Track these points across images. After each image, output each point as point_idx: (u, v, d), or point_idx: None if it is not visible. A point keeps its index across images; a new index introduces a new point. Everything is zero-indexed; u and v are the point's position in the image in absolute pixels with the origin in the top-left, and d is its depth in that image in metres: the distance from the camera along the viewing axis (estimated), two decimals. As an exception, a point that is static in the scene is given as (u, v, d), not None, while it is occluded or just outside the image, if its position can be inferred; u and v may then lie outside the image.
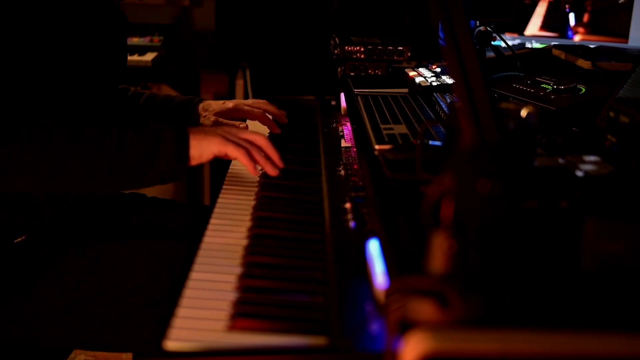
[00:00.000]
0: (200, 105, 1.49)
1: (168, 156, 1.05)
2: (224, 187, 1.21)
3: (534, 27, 1.94)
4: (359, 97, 1.51)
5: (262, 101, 1.53)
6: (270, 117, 1.51)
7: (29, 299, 1.11)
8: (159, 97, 1.53)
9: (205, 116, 1.47)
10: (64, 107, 1.13)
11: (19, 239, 1.17)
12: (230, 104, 1.49)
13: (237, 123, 1.45)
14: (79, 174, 1.01)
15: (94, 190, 1.13)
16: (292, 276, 0.90)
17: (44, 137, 1.00)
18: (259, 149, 1.15)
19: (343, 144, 1.44)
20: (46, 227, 1.20)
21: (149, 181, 1.07)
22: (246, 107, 1.48)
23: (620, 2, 1.65)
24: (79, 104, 1.17)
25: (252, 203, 1.13)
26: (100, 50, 1.22)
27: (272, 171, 1.16)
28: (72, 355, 1.28)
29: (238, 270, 0.91)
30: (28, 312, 1.11)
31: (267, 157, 1.16)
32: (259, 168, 1.16)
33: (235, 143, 1.11)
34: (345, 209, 1.09)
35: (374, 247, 0.87)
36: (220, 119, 1.46)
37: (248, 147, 1.12)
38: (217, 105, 1.49)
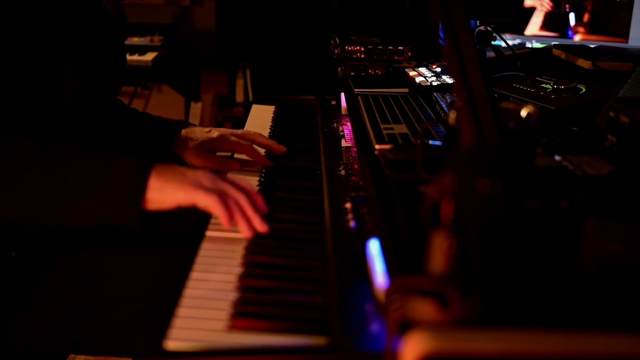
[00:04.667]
0: (184, 131, 1.33)
1: (116, 189, 0.92)
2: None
3: (534, 27, 1.94)
4: (359, 97, 1.51)
5: (252, 132, 1.33)
6: (261, 150, 1.32)
7: (25, 310, 1.09)
8: (148, 117, 1.41)
9: (190, 147, 1.30)
10: (49, 119, 1.10)
11: (15, 253, 1.14)
12: (215, 133, 1.31)
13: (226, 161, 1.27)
14: (8, 190, 0.93)
15: (23, 215, 0.97)
16: (292, 276, 0.90)
17: None
18: (241, 198, 0.98)
19: (343, 143, 1.44)
20: (41, 234, 1.17)
21: (90, 214, 0.94)
22: (233, 139, 1.29)
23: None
24: (66, 116, 1.12)
25: (252, 203, 1.13)
26: (93, 57, 1.18)
27: (248, 232, 0.97)
28: (72, 355, 1.28)
29: (238, 270, 0.91)
30: (24, 323, 1.09)
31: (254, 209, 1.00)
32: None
33: (207, 189, 0.96)
34: (346, 208, 1.09)
35: (374, 247, 0.87)
36: (205, 154, 1.30)
37: (224, 196, 0.97)
38: (201, 133, 1.32)
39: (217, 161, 1.29)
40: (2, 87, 1.02)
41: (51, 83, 1.09)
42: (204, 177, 0.98)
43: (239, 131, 1.34)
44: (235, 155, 1.34)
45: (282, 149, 1.33)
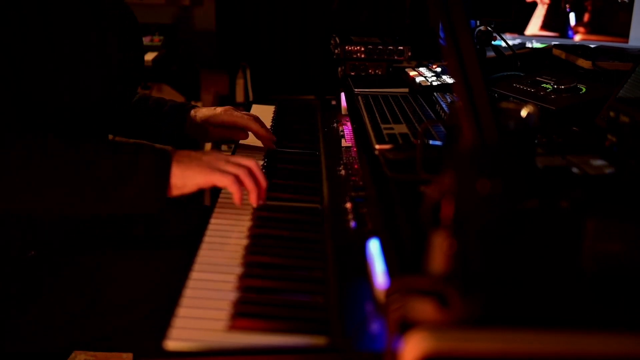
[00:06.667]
0: (192, 112, 1.43)
1: (143, 179, 0.97)
2: (224, 187, 1.21)
3: (534, 26, 1.94)
4: (359, 97, 1.51)
5: (253, 115, 1.44)
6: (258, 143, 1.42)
7: (27, 312, 1.10)
8: (151, 101, 1.46)
9: (199, 125, 1.41)
10: (49, 118, 1.10)
11: (29, 254, 1.15)
12: (219, 109, 1.42)
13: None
14: (38, 188, 0.95)
15: (57, 209, 1.01)
16: (292, 276, 0.90)
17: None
18: (249, 171, 1.05)
19: (343, 143, 1.44)
20: (49, 239, 1.18)
21: (119, 204, 0.99)
22: (236, 113, 1.41)
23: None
24: (66, 116, 1.13)
25: (252, 203, 1.13)
26: (97, 55, 1.18)
27: (255, 201, 1.05)
28: (73, 355, 1.28)
29: (238, 270, 0.91)
30: (26, 324, 1.09)
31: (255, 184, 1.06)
32: (245, 196, 1.06)
33: (222, 171, 1.03)
34: (346, 208, 1.09)
35: (374, 247, 0.87)
36: (213, 128, 1.42)
37: (237, 172, 1.03)
38: (208, 110, 1.43)
39: (226, 132, 1.43)
40: (2, 88, 1.03)
41: (50, 83, 1.09)
42: (218, 159, 1.05)
43: (239, 112, 1.45)
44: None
45: (272, 137, 1.43)
